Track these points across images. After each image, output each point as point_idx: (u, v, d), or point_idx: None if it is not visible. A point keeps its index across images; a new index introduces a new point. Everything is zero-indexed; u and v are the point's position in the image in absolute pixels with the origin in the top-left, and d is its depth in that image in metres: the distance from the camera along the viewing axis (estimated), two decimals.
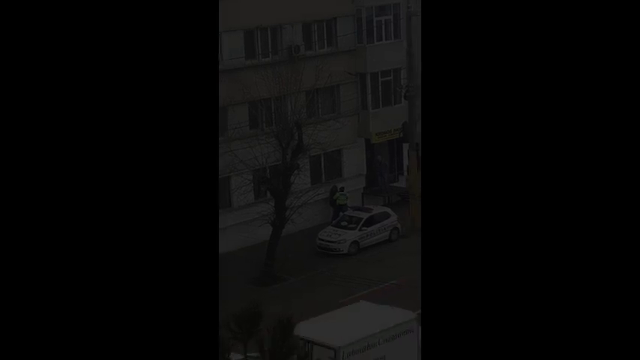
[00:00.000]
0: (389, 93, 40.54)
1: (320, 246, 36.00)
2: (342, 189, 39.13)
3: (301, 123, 33.42)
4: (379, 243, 36.55)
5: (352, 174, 40.25)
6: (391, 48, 39.93)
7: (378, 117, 40.25)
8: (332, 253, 35.58)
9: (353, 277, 32.91)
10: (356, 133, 40.07)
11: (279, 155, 33.48)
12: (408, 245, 35.76)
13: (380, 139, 40.79)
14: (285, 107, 33.73)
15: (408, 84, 38.19)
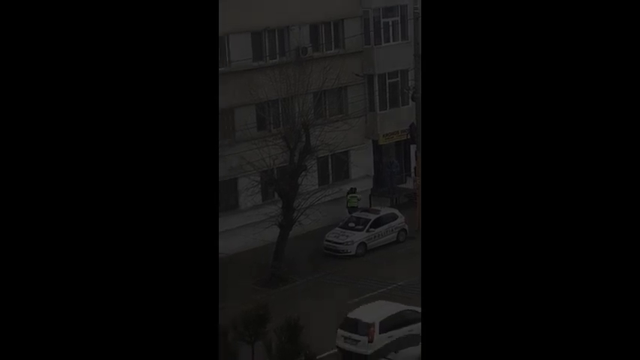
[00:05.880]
0: (396, 94, 40.51)
1: (327, 247, 35.97)
2: (352, 190, 39.17)
3: (309, 124, 33.40)
4: (387, 244, 36.52)
5: (360, 175, 40.23)
6: (398, 49, 39.90)
7: (385, 118, 40.23)
8: (339, 255, 35.55)
9: (360, 278, 32.91)
10: (363, 135, 40.06)
11: (286, 157, 33.47)
12: (415, 246, 35.72)
13: (387, 140, 40.78)
14: (293, 109, 33.70)
15: (416, 85, 38.16)
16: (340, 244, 35.81)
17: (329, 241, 36.06)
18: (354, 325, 26.29)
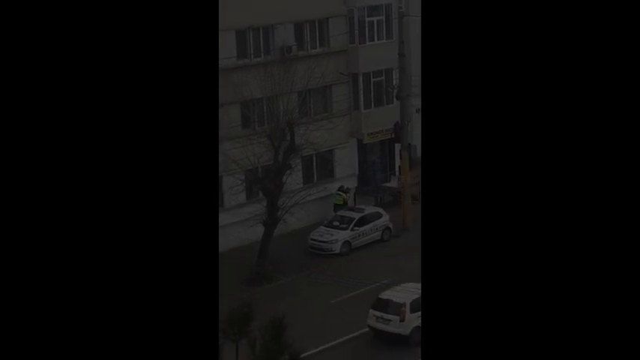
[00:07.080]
0: (381, 93, 40.56)
1: (312, 246, 36.01)
2: (342, 188, 39.21)
3: (293, 123, 33.41)
4: (371, 243, 36.58)
5: (344, 174, 40.27)
6: (383, 48, 39.95)
7: (370, 117, 40.27)
8: (324, 253, 35.59)
9: (345, 276, 32.94)
10: (348, 133, 40.10)
11: (271, 155, 33.47)
12: (399, 245, 35.80)
13: (372, 139, 40.84)
14: (278, 107, 33.71)
15: (400, 84, 38.23)
16: (325, 242, 35.85)
17: (314, 239, 36.10)
18: (385, 305, 27.77)
